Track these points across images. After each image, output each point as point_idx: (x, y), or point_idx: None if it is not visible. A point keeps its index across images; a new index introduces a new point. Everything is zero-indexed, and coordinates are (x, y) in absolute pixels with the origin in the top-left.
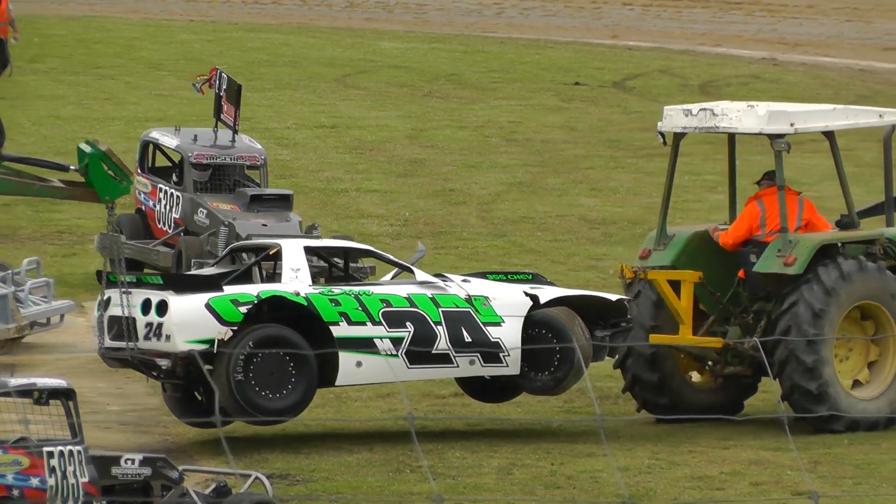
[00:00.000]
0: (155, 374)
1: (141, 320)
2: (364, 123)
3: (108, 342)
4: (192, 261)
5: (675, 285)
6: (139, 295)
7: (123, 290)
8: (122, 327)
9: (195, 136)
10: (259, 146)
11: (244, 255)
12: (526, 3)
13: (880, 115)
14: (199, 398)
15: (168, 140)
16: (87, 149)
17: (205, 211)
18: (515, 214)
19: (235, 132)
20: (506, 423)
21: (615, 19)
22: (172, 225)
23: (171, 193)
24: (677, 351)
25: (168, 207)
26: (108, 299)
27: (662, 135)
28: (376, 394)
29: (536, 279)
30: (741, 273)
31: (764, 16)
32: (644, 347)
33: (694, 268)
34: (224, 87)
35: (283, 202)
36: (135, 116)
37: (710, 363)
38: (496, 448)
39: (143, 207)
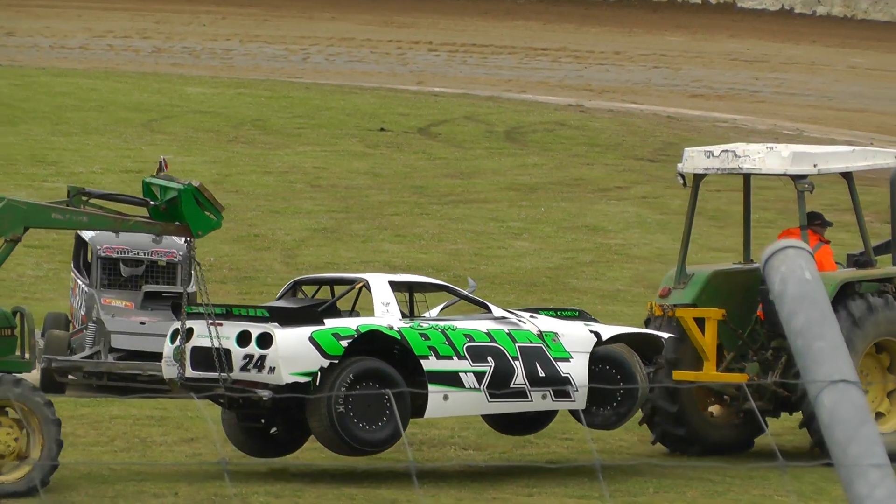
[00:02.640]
0: (238, 404)
1: (237, 352)
2: (169, 168)
3: (191, 372)
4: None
5: (699, 322)
6: (233, 327)
7: (212, 321)
8: (209, 358)
9: None
10: (183, 243)
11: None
12: (331, 49)
13: (895, 157)
14: (272, 431)
15: (86, 233)
16: (174, 184)
17: (97, 307)
18: (320, 260)
19: None
20: (311, 467)
21: (421, 65)
22: (79, 322)
23: (83, 290)
24: (698, 387)
25: (79, 304)
26: (190, 330)
27: (682, 176)
28: (181, 438)
29: (583, 316)
30: (760, 312)
31: (570, 62)
32: (667, 405)
33: (713, 305)
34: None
35: (181, 300)
36: None
37: (726, 398)
38: (300, 493)
39: (70, 304)
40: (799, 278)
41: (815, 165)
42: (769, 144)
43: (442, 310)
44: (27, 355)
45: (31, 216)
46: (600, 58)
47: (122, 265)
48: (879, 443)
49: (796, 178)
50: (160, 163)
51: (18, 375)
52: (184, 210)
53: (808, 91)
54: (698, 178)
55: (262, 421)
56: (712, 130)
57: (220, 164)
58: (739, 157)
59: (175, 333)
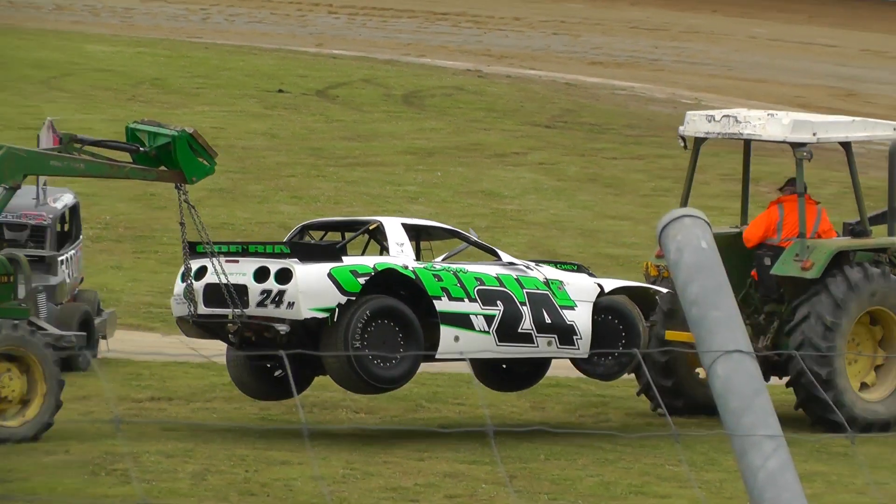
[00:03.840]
0: (251, 342)
1: (254, 287)
2: (68, 126)
3: (204, 310)
4: None
5: None
6: (250, 263)
7: (229, 259)
8: (222, 295)
9: None
10: (59, 206)
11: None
12: (232, 10)
13: (894, 129)
14: (277, 374)
15: None
16: (165, 130)
17: None
18: (216, 220)
19: (44, 186)
20: (202, 428)
21: (320, 27)
22: None
23: None
24: (690, 348)
25: None
26: (203, 268)
27: (683, 139)
28: (74, 396)
29: (581, 270)
30: (754, 274)
31: (470, 27)
32: (658, 354)
33: None
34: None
35: (39, 264)
36: None
37: None
38: (191, 453)
39: None
40: (695, 247)
41: (814, 134)
42: (770, 111)
43: (449, 256)
44: (23, 301)
45: (31, 163)
46: (500, 23)
47: (5, 229)
48: (773, 413)
49: (795, 145)
50: (47, 123)
51: (16, 321)
52: (178, 156)
53: (707, 60)
54: (699, 141)
55: (269, 366)
56: (611, 98)
57: (119, 123)
58: (740, 122)
59: (185, 273)
